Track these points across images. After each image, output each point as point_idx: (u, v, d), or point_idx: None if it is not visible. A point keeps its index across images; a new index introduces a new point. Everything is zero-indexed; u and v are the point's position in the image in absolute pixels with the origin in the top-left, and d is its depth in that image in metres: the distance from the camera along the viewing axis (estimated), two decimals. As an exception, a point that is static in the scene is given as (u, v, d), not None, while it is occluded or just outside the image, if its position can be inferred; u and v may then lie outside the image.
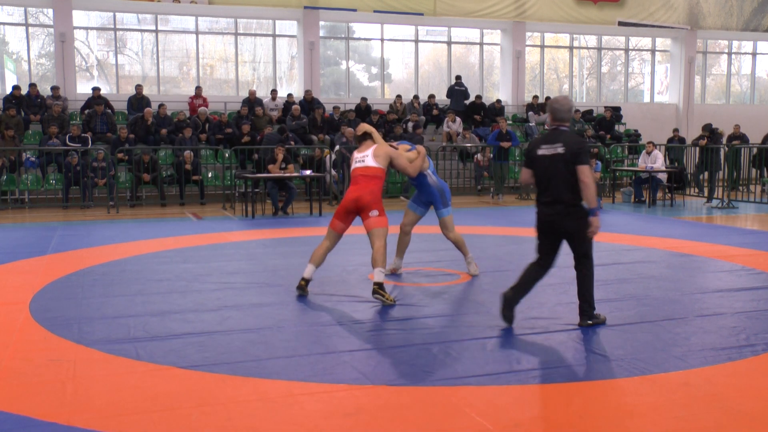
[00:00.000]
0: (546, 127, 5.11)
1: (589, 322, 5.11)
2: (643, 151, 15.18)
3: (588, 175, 4.88)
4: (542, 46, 22.43)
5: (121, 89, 18.79)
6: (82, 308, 5.64)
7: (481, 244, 9.07)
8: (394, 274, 7.09)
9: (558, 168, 4.93)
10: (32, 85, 16.25)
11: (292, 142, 15.54)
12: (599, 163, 14.55)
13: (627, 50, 23.64)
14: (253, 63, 20.40)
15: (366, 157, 6.06)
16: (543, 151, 5.02)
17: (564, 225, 5.02)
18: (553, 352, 4.46)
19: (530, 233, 10.08)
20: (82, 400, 3.68)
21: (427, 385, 3.87)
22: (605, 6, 21.71)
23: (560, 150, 4.93)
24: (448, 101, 19.35)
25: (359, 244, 8.57)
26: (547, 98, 20.33)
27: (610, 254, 8.14)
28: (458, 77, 19.43)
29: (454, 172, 17.09)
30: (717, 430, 3.34)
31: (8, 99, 15.64)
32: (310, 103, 17.64)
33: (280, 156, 12.79)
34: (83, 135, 14.80)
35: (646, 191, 14.65)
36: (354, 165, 6.16)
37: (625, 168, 17.79)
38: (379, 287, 5.82)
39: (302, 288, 6.10)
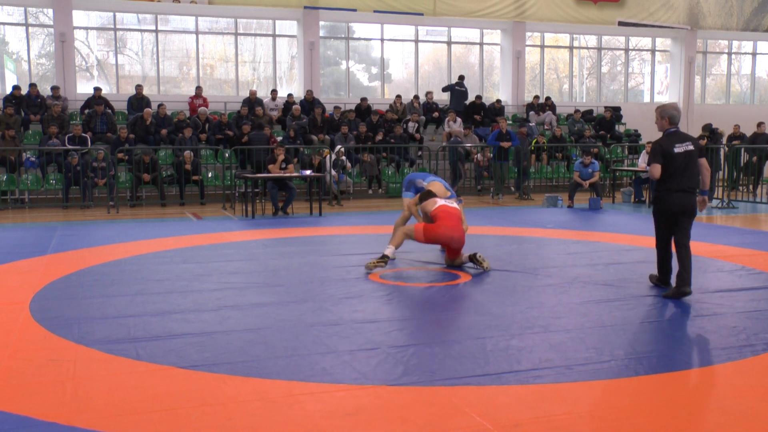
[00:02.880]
0: (661, 130, 6.17)
1: (689, 289, 5.98)
2: (643, 151, 15.17)
3: (707, 164, 6.19)
4: (542, 46, 22.43)
5: (121, 89, 18.80)
6: (82, 308, 5.64)
7: (481, 244, 9.06)
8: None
9: (692, 162, 6.02)
10: (32, 85, 16.25)
11: (274, 141, 15.47)
12: (596, 162, 14.54)
13: (627, 50, 23.65)
14: (253, 63, 20.41)
15: (443, 201, 7.35)
16: (678, 149, 5.99)
17: (692, 207, 6.07)
18: (553, 352, 4.46)
19: (530, 233, 10.11)
20: (82, 400, 3.68)
21: (427, 385, 3.87)
22: (605, 6, 21.71)
23: (691, 147, 6.02)
24: (448, 101, 19.34)
25: (359, 244, 8.58)
26: (548, 98, 20.35)
27: (610, 254, 8.14)
28: (461, 77, 19.39)
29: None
30: (717, 430, 3.34)
31: (8, 99, 15.65)
32: (310, 103, 17.65)
33: (281, 156, 12.80)
34: (83, 135, 14.80)
35: (646, 191, 14.65)
36: (442, 202, 7.32)
37: (625, 168, 17.79)
38: (473, 256, 7.15)
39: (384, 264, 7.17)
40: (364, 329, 5.03)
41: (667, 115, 6.09)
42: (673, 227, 6.10)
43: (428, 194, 7.57)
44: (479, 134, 18.13)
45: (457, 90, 19.18)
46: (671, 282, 6.24)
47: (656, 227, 6.24)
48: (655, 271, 6.56)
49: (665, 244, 6.21)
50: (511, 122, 19.10)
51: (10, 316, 5.41)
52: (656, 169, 5.98)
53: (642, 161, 14.95)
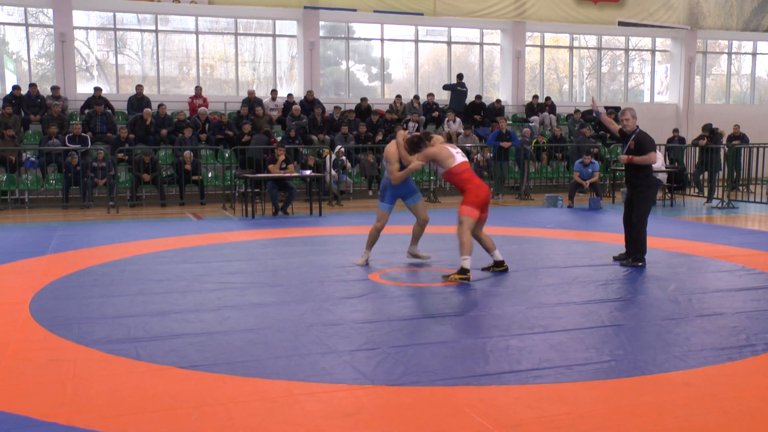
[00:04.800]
0: (632, 128, 7.60)
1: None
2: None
3: None
4: (542, 46, 22.43)
5: (121, 89, 18.80)
6: (82, 308, 5.64)
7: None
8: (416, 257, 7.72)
9: None
10: (32, 85, 16.25)
11: (274, 142, 15.49)
12: (596, 162, 14.54)
13: (627, 50, 23.64)
14: (253, 63, 20.40)
15: (458, 153, 6.84)
16: None
17: None
18: (553, 352, 4.46)
19: (530, 233, 10.10)
20: (82, 400, 3.68)
21: (427, 385, 3.87)
22: (605, 6, 21.71)
23: None
24: (447, 101, 19.33)
25: (359, 244, 8.57)
26: (548, 98, 20.36)
27: (610, 254, 8.13)
28: (460, 76, 19.35)
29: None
30: (717, 430, 3.34)
31: (8, 99, 15.66)
32: (310, 103, 17.65)
33: (281, 156, 12.80)
34: (83, 135, 14.81)
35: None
36: (462, 158, 6.80)
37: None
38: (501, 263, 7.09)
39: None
40: (364, 329, 5.03)
41: (636, 115, 7.63)
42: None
43: (425, 138, 6.95)
44: (479, 134, 18.14)
45: (458, 90, 19.17)
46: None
47: (648, 209, 7.48)
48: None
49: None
50: (510, 122, 19.10)
51: (10, 316, 5.41)
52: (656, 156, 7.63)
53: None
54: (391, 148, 7.23)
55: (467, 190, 6.71)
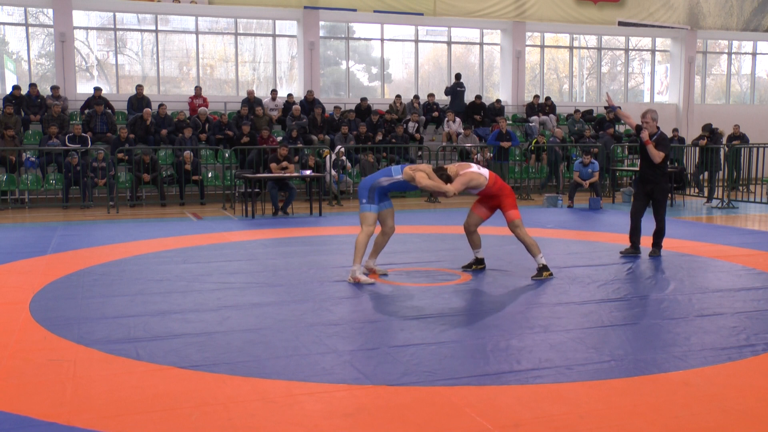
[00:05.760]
0: (653, 130, 7.96)
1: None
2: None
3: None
4: (542, 46, 22.43)
5: (121, 89, 18.81)
6: (82, 308, 5.64)
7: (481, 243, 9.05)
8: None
9: None
10: (32, 85, 16.25)
11: (274, 141, 15.51)
12: (596, 162, 14.54)
13: (627, 50, 23.65)
14: (253, 63, 20.40)
15: (480, 169, 6.84)
16: None
17: None
18: (553, 352, 4.46)
19: (530, 233, 10.07)
20: (82, 400, 3.68)
21: (427, 385, 3.87)
22: (605, 6, 21.71)
23: None
24: (447, 101, 19.34)
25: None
26: (548, 98, 20.36)
27: (610, 254, 8.14)
28: (458, 75, 19.36)
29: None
30: (717, 430, 3.34)
31: (8, 99, 15.66)
32: (310, 103, 17.65)
33: (284, 155, 12.80)
34: (83, 135, 14.81)
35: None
36: (486, 172, 6.84)
37: (625, 168, 17.79)
38: (480, 261, 7.26)
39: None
40: (364, 329, 5.03)
41: (657, 118, 7.96)
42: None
43: (441, 170, 6.81)
44: (479, 134, 18.14)
45: (457, 90, 19.18)
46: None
47: (663, 203, 7.99)
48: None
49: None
50: (510, 122, 19.10)
51: (10, 316, 5.41)
52: (662, 158, 7.82)
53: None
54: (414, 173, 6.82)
55: (504, 195, 6.90)
